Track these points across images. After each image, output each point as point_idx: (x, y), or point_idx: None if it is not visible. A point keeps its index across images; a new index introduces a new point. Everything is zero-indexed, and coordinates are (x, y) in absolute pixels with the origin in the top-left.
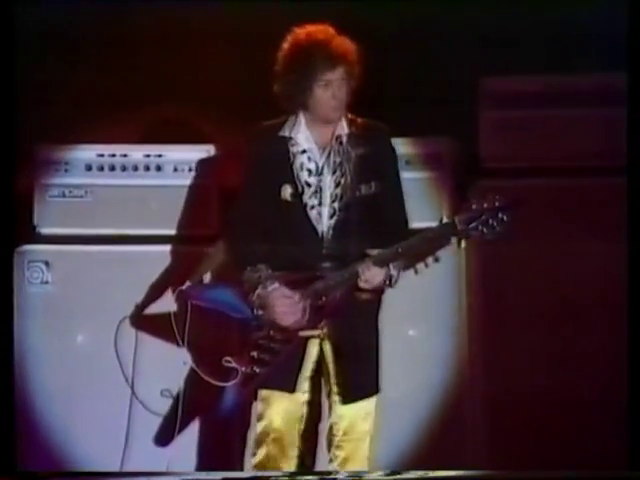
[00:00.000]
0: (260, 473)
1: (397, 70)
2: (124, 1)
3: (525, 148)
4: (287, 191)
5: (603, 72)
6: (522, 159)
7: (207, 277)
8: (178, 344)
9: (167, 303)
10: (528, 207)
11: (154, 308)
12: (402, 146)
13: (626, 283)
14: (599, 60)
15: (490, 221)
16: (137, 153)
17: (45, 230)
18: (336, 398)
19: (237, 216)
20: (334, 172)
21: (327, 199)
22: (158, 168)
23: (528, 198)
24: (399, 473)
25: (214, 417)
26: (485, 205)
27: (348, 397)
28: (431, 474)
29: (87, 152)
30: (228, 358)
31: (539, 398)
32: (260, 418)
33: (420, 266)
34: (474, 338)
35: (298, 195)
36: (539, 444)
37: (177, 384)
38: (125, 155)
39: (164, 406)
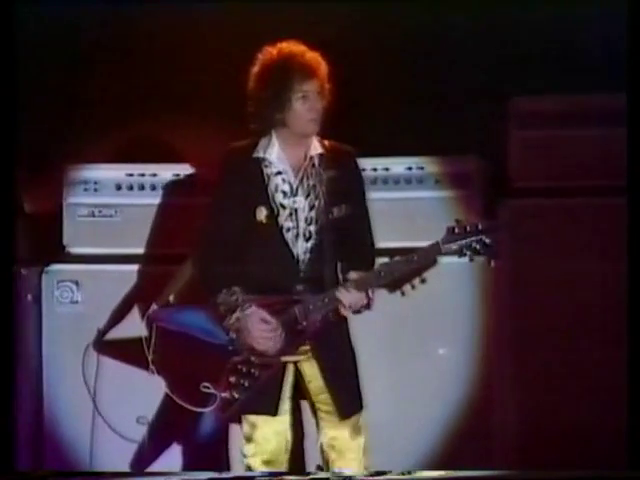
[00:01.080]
0: (259, 473)
1: (425, 89)
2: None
3: (554, 167)
4: (262, 213)
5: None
6: (551, 178)
7: (173, 299)
8: (149, 370)
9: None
10: (556, 225)
11: (123, 332)
12: (431, 165)
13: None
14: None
15: (473, 245)
16: (166, 172)
17: (75, 250)
18: (323, 416)
19: (211, 238)
20: (308, 195)
21: (302, 222)
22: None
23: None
24: (383, 473)
25: (193, 441)
26: (468, 229)
27: (342, 414)
28: (425, 474)
29: (117, 172)
30: (206, 384)
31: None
32: (249, 440)
33: (407, 288)
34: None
35: (273, 217)
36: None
37: (152, 410)
38: (154, 174)
39: (140, 433)
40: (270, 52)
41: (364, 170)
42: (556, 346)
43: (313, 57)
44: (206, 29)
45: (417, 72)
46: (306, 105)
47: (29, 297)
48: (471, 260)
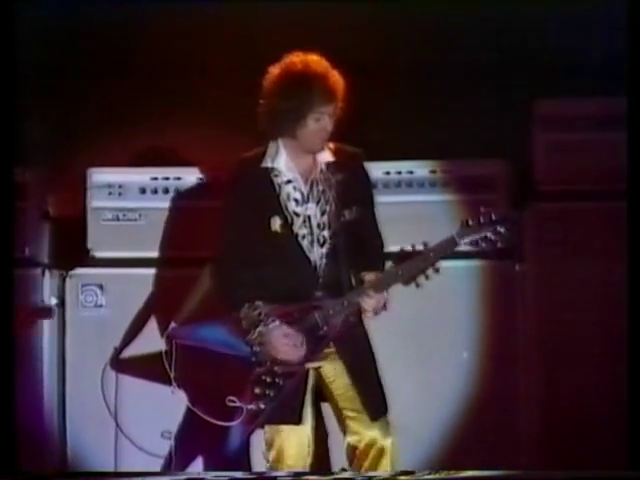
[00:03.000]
0: (262, 473)
1: (448, 92)
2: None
3: (579, 170)
4: (277, 223)
5: None
6: (576, 181)
7: (191, 315)
8: (172, 386)
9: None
10: (581, 229)
11: (141, 347)
12: (456, 168)
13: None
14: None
15: (489, 235)
16: (190, 176)
17: (99, 253)
18: (349, 414)
19: (227, 252)
20: (319, 200)
21: (315, 228)
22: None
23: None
24: (408, 473)
25: (219, 454)
26: (482, 220)
27: (372, 414)
28: (442, 475)
29: (141, 175)
30: (232, 397)
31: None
32: (271, 447)
33: (421, 279)
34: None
35: (288, 226)
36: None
37: (176, 425)
38: (179, 178)
39: (164, 448)
40: (295, 64)
41: (388, 174)
42: (575, 348)
43: (335, 80)
44: (220, 31)
45: (441, 75)
46: (318, 125)
47: (53, 301)
48: (487, 249)
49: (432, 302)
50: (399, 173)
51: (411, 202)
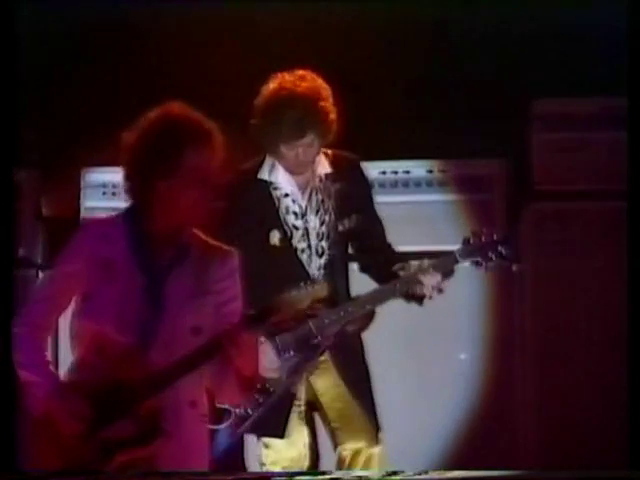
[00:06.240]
0: (260, 473)
1: (450, 91)
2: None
3: (578, 170)
4: (276, 236)
5: None
6: (575, 181)
7: None
8: None
9: None
10: (579, 229)
11: None
12: (453, 168)
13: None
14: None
15: (489, 254)
16: None
17: None
18: (337, 425)
19: None
20: (317, 211)
21: (314, 239)
22: None
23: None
24: (397, 473)
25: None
26: (483, 239)
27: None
28: (432, 475)
29: None
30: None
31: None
32: (267, 447)
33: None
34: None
35: (287, 240)
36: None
37: None
38: None
39: None
40: (279, 90)
41: (384, 173)
42: (574, 349)
43: (318, 110)
44: (219, 33)
45: (440, 74)
46: (292, 152)
47: None
48: (487, 270)
49: (429, 303)
50: (395, 173)
51: (407, 202)
